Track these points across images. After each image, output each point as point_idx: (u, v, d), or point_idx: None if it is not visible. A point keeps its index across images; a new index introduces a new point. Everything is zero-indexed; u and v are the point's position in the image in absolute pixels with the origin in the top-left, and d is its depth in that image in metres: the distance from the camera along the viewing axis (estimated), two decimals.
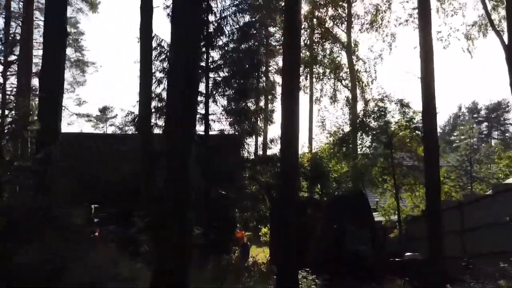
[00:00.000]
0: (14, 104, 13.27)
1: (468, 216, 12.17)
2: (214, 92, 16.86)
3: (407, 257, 12.78)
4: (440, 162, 19.48)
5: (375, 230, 13.51)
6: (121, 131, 49.48)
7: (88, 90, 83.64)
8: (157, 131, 16.33)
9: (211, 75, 16.77)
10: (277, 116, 33.85)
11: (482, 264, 10.14)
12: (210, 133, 16.94)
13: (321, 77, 27.17)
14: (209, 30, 16.52)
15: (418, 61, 9.65)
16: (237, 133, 16.99)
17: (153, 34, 15.39)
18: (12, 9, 25.10)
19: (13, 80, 26.42)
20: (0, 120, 9.51)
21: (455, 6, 21.52)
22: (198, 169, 16.78)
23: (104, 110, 64.11)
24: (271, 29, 31.91)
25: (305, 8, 24.87)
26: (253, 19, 24.68)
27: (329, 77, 26.86)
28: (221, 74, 16.89)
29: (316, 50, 25.77)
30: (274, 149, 18.32)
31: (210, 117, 16.85)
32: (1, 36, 22.67)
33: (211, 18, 16.61)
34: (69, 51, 28.15)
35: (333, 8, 25.53)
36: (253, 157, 17.92)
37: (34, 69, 26.69)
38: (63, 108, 30.31)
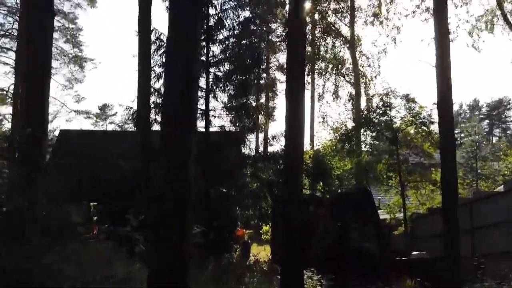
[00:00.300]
0: None
1: (478, 214, 11.81)
2: (214, 88, 16.50)
3: (414, 256, 12.43)
4: None
5: (380, 227, 13.17)
6: (121, 129, 49.22)
7: (87, 87, 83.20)
8: (156, 127, 15.98)
9: (212, 70, 16.42)
10: (278, 113, 33.54)
11: (494, 264, 9.80)
12: (211, 129, 16.59)
13: (323, 73, 26.75)
14: (210, 24, 16.15)
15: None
16: (238, 129, 16.64)
17: (152, 28, 15.02)
18: (9, 4, 24.75)
19: (10, 76, 26.12)
20: None
21: None
22: (198, 167, 16.60)
23: (104, 107, 63.82)
24: (272, 26, 31.50)
25: (307, 2, 24.40)
26: (254, 14, 24.37)
27: (331, 73, 26.43)
28: (222, 69, 16.54)
29: (318, 45, 25.33)
30: (276, 146, 17.97)
31: (211, 112, 16.50)
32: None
33: (212, 11, 16.26)
34: (67, 47, 27.85)
35: (336, 1, 25.04)
36: (254, 154, 17.49)
37: None
38: (61, 104, 30.03)
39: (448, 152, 8.56)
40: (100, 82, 78.07)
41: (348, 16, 25.15)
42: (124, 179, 15.68)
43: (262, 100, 29.53)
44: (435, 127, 14.05)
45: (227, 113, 16.52)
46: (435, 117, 14.42)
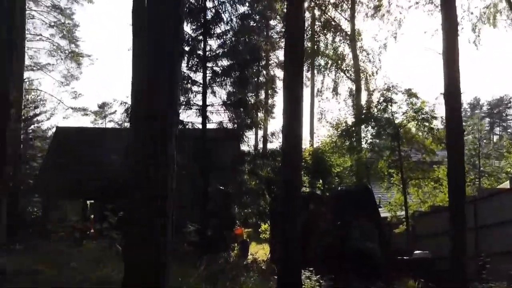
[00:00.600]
0: None
1: (482, 212, 11.46)
2: (212, 83, 16.15)
3: (416, 255, 12.08)
4: (446, 155, 18.91)
5: (381, 226, 12.83)
6: (121, 127, 48.79)
7: (86, 84, 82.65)
8: None
9: (209, 64, 16.07)
10: (278, 111, 33.18)
11: (499, 264, 9.47)
12: (208, 125, 16.26)
13: (323, 69, 26.37)
14: (207, 17, 15.81)
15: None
16: (236, 126, 16.31)
17: None
18: None
19: None
20: None
21: None
22: (196, 165, 16.34)
23: (103, 106, 63.48)
24: (272, 22, 31.15)
25: None
26: (253, 10, 23.98)
27: (331, 70, 26.04)
28: (220, 63, 16.19)
29: (318, 40, 24.94)
30: (275, 143, 17.64)
31: (209, 108, 16.17)
32: None
33: (209, 4, 15.91)
34: (64, 42, 27.47)
35: None
36: (254, 151, 17.16)
37: (27, 61, 26.02)
38: (58, 101, 29.68)
39: (456, 145, 8.15)
40: (99, 79, 77.50)
41: (349, 10, 24.72)
42: (120, 176, 15.31)
43: (262, 97, 29.20)
44: (438, 123, 13.78)
45: (225, 109, 16.19)
46: (438, 112, 14.10)
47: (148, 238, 2.76)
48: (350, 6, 24.57)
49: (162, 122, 2.85)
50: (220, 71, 16.01)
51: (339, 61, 24.96)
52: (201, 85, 15.83)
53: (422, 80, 78.63)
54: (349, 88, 25.31)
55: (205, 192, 15.43)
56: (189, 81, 15.80)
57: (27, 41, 25.37)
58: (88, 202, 22.17)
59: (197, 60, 15.87)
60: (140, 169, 2.92)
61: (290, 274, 7.84)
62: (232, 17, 16.31)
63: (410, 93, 14.19)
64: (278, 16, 27.67)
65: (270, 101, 33.77)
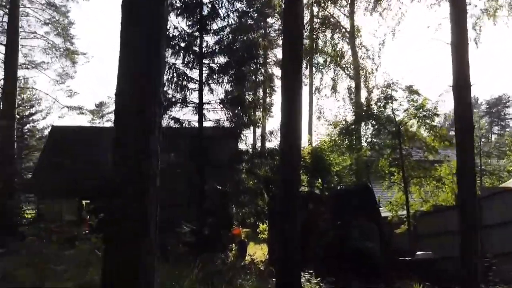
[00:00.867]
0: None
1: (485, 211, 11.16)
2: (209, 80, 15.82)
3: (419, 256, 11.76)
4: (448, 153, 18.61)
5: (382, 225, 12.52)
6: None
7: (81, 82, 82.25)
8: None
9: (206, 61, 15.74)
10: (276, 109, 32.88)
11: (501, 264, 9.18)
12: (205, 123, 15.94)
13: (322, 67, 26.02)
14: (203, 13, 15.47)
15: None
16: (233, 124, 16.00)
17: None
18: None
19: None
20: None
21: None
22: (192, 163, 16.03)
23: (100, 105, 63.12)
24: (270, 20, 30.85)
25: None
26: (250, 7, 23.59)
27: (330, 67, 25.70)
28: (217, 60, 15.86)
29: (316, 37, 24.59)
30: (274, 142, 17.33)
31: (205, 106, 15.84)
32: None
33: None
34: (58, 40, 27.10)
35: None
36: (251, 149, 16.84)
37: (21, 59, 25.68)
38: (53, 100, 29.28)
39: (465, 138, 7.79)
40: (96, 77, 76.99)
41: (348, 6, 24.37)
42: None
43: (260, 95, 28.86)
44: (440, 120, 13.45)
45: (222, 107, 15.87)
46: (441, 109, 13.80)
47: (141, 234, 2.45)
48: (349, 2, 24.20)
49: (148, 114, 2.55)
50: (216, 68, 15.69)
51: (338, 58, 24.61)
52: (197, 82, 15.51)
53: (424, 77, 78.46)
54: (348, 85, 25.02)
55: (202, 191, 15.12)
56: (185, 78, 15.49)
57: (21, 38, 25.04)
58: (84, 201, 21.86)
59: (193, 56, 15.54)
60: (133, 164, 2.63)
61: (289, 275, 7.53)
62: (229, 13, 16.02)
63: (411, 90, 13.88)
64: (276, 14, 27.33)
65: (268, 99, 33.49)
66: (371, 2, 23.29)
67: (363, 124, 15.58)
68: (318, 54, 25.11)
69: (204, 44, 15.60)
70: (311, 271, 8.78)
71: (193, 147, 15.47)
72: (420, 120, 13.83)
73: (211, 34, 15.91)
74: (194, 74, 15.63)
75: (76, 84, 64.86)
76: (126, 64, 2.58)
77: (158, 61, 2.54)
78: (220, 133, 16.06)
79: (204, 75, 15.68)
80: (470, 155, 7.90)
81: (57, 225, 7.45)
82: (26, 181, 23.86)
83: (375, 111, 14.38)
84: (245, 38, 16.77)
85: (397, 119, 14.10)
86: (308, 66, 26.97)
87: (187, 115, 15.87)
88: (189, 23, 15.42)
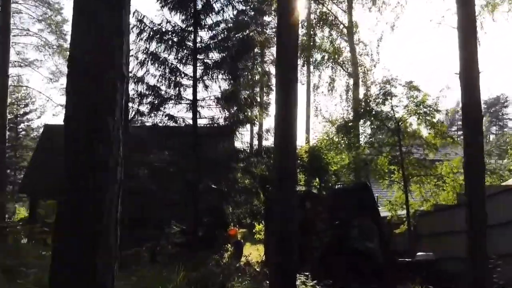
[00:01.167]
0: None
1: (491, 210, 10.73)
2: (204, 76, 15.41)
3: (419, 256, 11.36)
4: (446, 150, 18.24)
5: (382, 225, 12.12)
6: None
7: None
8: (139, 118, 14.91)
9: (200, 57, 15.32)
10: (273, 108, 32.41)
11: (504, 266, 8.79)
12: (200, 120, 15.53)
13: (319, 64, 25.58)
14: (197, 7, 15.06)
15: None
16: (228, 122, 15.59)
17: (134, 10, 13.96)
18: None
19: None
20: None
21: None
22: (185, 161, 15.62)
23: None
24: (267, 18, 30.48)
25: None
26: (247, 5, 23.15)
27: (328, 64, 25.25)
28: (212, 56, 15.45)
29: (314, 33, 24.15)
30: (271, 140, 16.88)
31: (200, 103, 15.42)
32: None
33: None
34: (52, 37, 26.66)
35: None
36: (247, 148, 16.44)
37: (14, 56, 25.22)
38: (47, 98, 28.78)
39: (473, 129, 7.30)
40: None
41: (346, 1, 23.91)
42: None
43: (257, 91, 28.50)
44: (441, 117, 13.07)
45: (217, 103, 15.46)
46: (442, 105, 13.42)
47: (93, 233, 2.00)
48: None
49: (105, 88, 2.09)
50: (211, 64, 15.28)
51: (336, 55, 24.18)
52: (192, 79, 15.11)
53: (424, 72, 78.13)
54: (346, 82, 24.60)
55: (196, 190, 14.72)
56: (179, 74, 15.08)
57: (14, 36, 24.57)
58: None
59: (187, 52, 15.14)
60: (84, 150, 2.11)
61: (283, 277, 7.10)
62: (224, 7, 15.62)
63: (411, 86, 13.49)
64: (273, 11, 26.94)
65: (266, 98, 33.10)
66: None
67: (361, 121, 15.16)
68: (316, 50, 24.67)
69: (198, 39, 15.22)
70: (307, 273, 8.35)
71: (187, 145, 15.07)
72: (421, 117, 13.42)
73: (206, 29, 15.53)
74: (188, 70, 15.26)
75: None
76: (80, 30, 2.15)
77: (120, 26, 2.13)
78: (216, 131, 15.67)
79: (199, 71, 15.29)
80: (478, 147, 7.40)
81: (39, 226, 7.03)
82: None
83: (374, 107, 13.97)
84: (240, 32, 16.37)
85: (396, 116, 13.71)
86: (306, 64, 26.55)
87: (181, 112, 15.50)
88: (183, 17, 15.03)
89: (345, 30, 23.64)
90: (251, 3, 28.51)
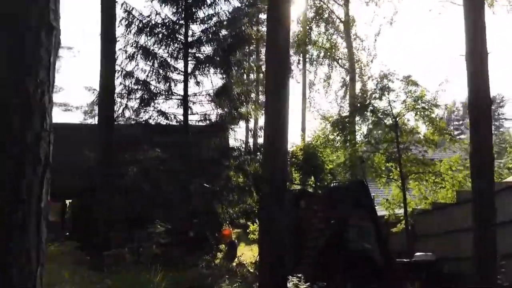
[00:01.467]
0: None
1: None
2: (195, 71, 14.92)
3: (418, 257, 10.93)
4: (445, 153, 17.82)
5: (379, 224, 11.68)
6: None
7: (68, 78, 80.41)
8: (128, 114, 14.39)
9: (192, 51, 14.83)
10: None
11: (506, 266, 8.37)
12: (192, 117, 15.05)
13: (315, 60, 25.11)
14: (188, 0, 14.58)
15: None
16: (221, 118, 15.12)
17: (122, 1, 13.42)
18: None
19: None
20: None
21: None
22: (177, 159, 15.15)
23: (93, 104, 61.85)
24: (263, 16, 30.01)
25: None
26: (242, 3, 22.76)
27: (323, 61, 24.78)
28: (204, 50, 14.97)
29: (310, 28, 23.66)
30: None
31: (192, 99, 14.95)
32: None
33: None
34: None
35: None
36: (241, 145, 15.99)
37: None
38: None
39: (481, 117, 6.75)
40: (88, 75, 75.03)
41: None
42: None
43: (253, 91, 27.99)
44: (440, 112, 12.65)
45: (208, 99, 14.98)
46: (441, 100, 12.99)
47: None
48: None
49: (27, 39, 1.59)
50: (203, 59, 14.80)
51: (333, 50, 23.71)
52: (183, 73, 14.62)
53: (423, 67, 77.53)
54: (342, 78, 24.16)
55: (187, 189, 14.23)
56: (169, 68, 14.58)
57: None
58: (67, 201, 20.90)
59: (178, 46, 14.65)
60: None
61: (274, 279, 6.64)
62: (217, 0, 15.13)
63: (408, 80, 13.05)
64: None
65: (261, 97, 32.64)
66: None
67: (358, 118, 14.71)
68: (312, 46, 24.19)
69: (190, 32, 14.75)
70: (300, 275, 7.89)
71: (178, 143, 14.59)
72: (419, 112, 12.98)
73: (198, 23, 15.05)
74: (179, 64, 14.78)
75: (65, 81, 63.18)
76: None
77: None
78: (207, 128, 15.21)
79: (190, 66, 14.82)
80: (487, 135, 6.85)
81: None
82: None
83: (372, 101, 13.51)
84: (234, 30, 15.88)
85: (394, 111, 13.27)
86: (301, 59, 26.10)
87: (172, 108, 15.04)
88: (173, 10, 14.54)
89: (341, 25, 23.18)
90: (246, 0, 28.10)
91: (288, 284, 7.00)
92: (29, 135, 1.58)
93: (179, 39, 14.61)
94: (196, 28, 14.99)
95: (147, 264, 6.64)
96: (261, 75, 31.14)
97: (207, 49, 14.92)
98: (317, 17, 23.20)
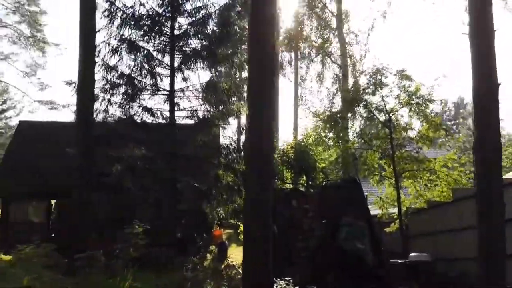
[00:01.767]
0: None
1: None
2: (182, 66, 14.42)
3: (412, 257, 10.50)
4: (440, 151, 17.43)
5: (372, 224, 11.24)
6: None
7: (55, 76, 79.12)
8: (112, 110, 13.83)
9: (178, 44, 14.32)
10: None
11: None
12: (179, 113, 14.55)
13: (307, 56, 24.68)
14: None
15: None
16: (209, 114, 14.63)
17: None
18: None
19: None
20: None
21: None
22: (164, 158, 14.64)
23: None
24: None
25: None
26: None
27: (315, 57, 24.34)
28: (191, 43, 14.45)
29: (301, 23, 23.22)
30: None
31: (178, 94, 14.44)
32: None
33: None
34: (28, 30, 25.36)
35: None
36: (230, 142, 15.47)
37: None
38: (23, 94, 27.61)
39: (486, 103, 6.11)
40: (70, 69, 73.27)
41: None
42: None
43: (243, 87, 27.52)
44: (435, 107, 12.26)
45: (195, 95, 14.48)
46: (436, 94, 12.58)
47: None
48: None
49: None
50: (190, 52, 14.29)
51: (325, 45, 23.27)
52: (169, 68, 14.11)
53: (418, 64, 77.60)
54: (335, 74, 23.75)
55: (174, 188, 13.73)
56: (155, 62, 14.06)
57: None
58: (52, 201, 20.28)
59: (164, 39, 14.13)
60: None
61: (258, 281, 6.17)
62: None
63: (402, 75, 12.63)
64: None
65: None
66: None
67: (350, 114, 14.26)
68: (304, 41, 23.74)
69: (177, 25, 14.24)
70: (288, 278, 7.43)
71: (164, 140, 14.08)
72: (413, 108, 12.56)
73: (185, 16, 14.55)
74: (165, 58, 14.27)
75: (52, 79, 61.76)
76: None
77: None
78: (195, 125, 14.72)
79: (177, 60, 14.31)
80: (494, 123, 6.16)
81: None
82: None
83: (364, 96, 13.06)
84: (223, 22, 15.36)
85: (387, 107, 12.84)
86: (293, 55, 25.67)
87: (158, 104, 14.50)
88: (159, 1, 14.01)
89: (334, 20, 22.76)
90: None
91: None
92: None
93: (165, 32, 14.11)
94: (183, 21, 14.52)
95: (122, 267, 6.13)
96: None
97: (194, 43, 14.46)
98: (310, 11, 22.77)
